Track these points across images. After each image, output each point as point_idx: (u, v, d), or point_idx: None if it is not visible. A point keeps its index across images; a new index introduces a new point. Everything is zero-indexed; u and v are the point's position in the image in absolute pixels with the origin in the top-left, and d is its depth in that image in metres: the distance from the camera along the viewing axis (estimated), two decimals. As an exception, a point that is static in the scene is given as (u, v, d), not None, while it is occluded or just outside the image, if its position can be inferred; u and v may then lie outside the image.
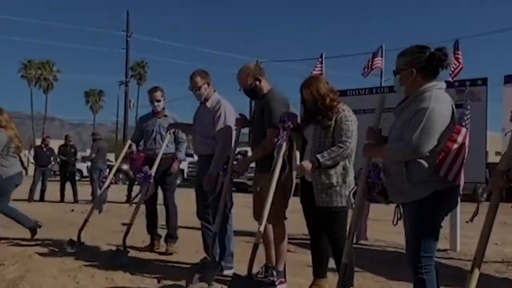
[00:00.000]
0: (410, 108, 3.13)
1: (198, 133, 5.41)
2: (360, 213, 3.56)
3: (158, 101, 6.40)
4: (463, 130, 3.16)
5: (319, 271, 4.28)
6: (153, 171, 5.79)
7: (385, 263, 5.89)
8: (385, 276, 5.18)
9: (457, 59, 8.15)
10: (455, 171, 3.06)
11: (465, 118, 3.31)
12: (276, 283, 4.54)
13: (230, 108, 5.31)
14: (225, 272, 4.86)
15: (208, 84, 5.36)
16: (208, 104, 5.28)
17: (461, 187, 3.18)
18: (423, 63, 3.13)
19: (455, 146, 3.08)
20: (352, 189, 3.77)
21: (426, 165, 3.04)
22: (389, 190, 3.27)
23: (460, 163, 3.08)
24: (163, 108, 6.55)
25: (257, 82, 4.65)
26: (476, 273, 2.64)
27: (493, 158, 14.56)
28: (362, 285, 4.60)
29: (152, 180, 5.75)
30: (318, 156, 3.97)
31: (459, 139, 3.11)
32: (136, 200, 5.89)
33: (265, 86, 4.69)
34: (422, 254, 3.10)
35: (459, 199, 3.24)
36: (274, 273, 4.61)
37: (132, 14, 36.20)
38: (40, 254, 5.79)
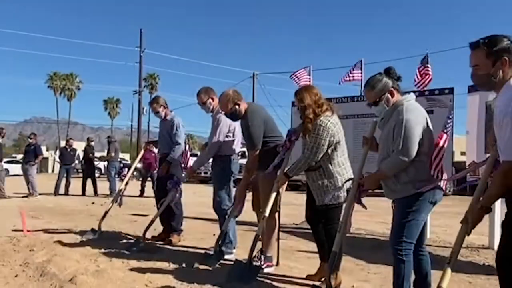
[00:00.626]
0: (390, 121, 3.26)
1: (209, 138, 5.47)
2: (350, 211, 3.60)
3: (157, 112, 6.35)
4: (445, 136, 3.21)
5: (324, 256, 4.17)
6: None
7: (364, 249, 5.90)
8: (365, 260, 5.19)
9: (427, 71, 8.14)
10: (439, 170, 3.16)
11: (447, 125, 3.36)
12: (263, 266, 4.55)
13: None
14: (226, 257, 4.89)
15: (213, 98, 5.40)
16: (214, 114, 5.36)
17: (443, 184, 3.23)
18: (391, 83, 3.30)
19: (438, 149, 3.18)
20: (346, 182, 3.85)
21: (411, 168, 3.15)
22: (384, 189, 3.38)
23: (441, 163, 3.18)
24: (171, 111, 6.49)
25: (236, 106, 4.67)
26: (452, 265, 2.68)
27: (458, 158, 14.62)
28: (345, 268, 4.60)
29: (180, 187, 5.69)
30: (286, 169, 4.11)
31: (441, 143, 3.20)
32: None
33: (243, 107, 4.70)
34: (404, 239, 3.17)
35: (441, 194, 3.29)
36: (262, 257, 4.63)
37: (144, 31, 36.13)
38: (65, 241, 5.78)
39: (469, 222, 2.62)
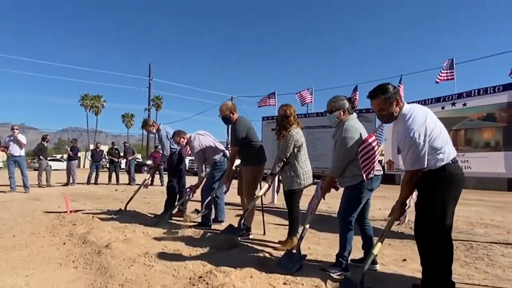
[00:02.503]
0: (337, 135, 3.31)
1: None
2: (317, 204, 3.64)
3: (149, 131, 6.26)
4: (374, 137, 3.26)
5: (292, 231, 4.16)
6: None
7: (315, 222, 5.88)
8: (316, 229, 5.26)
9: (355, 97, 8.33)
10: (368, 163, 3.15)
11: (377, 131, 3.40)
12: (245, 234, 4.58)
13: (199, 138, 5.32)
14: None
15: (183, 137, 5.45)
16: (189, 145, 5.42)
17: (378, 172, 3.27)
18: (347, 105, 3.33)
19: (365, 146, 3.15)
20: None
21: (352, 167, 3.21)
22: (337, 180, 3.41)
23: (372, 158, 3.16)
24: (159, 124, 6.35)
25: (231, 114, 4.67)
26: (383, 238, 2.80)
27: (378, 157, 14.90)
28: (303, 234, 4.65)
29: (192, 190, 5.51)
30: (272, 169, 4.08)
31: (370, 140, 3.18)
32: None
33: (235, 117, 4.69)
34: (348, 214, 3.23)
35: (378, 182, 3.33)
36: (244, 227, 4.63)
37: (152, 65, 35.78)
38: (99, 217, 5.63)
39: (395, 214, 2.79)
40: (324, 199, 3.58)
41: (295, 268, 3.16)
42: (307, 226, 3.46)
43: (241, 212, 5.01)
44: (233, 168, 4.81)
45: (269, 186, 4.28)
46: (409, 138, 2.53)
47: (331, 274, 3.10)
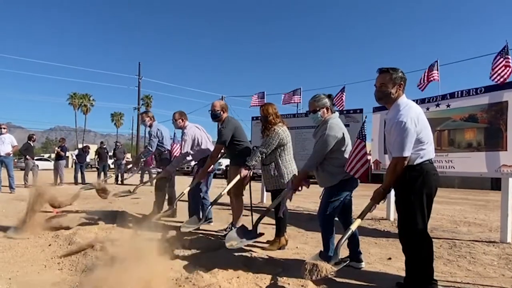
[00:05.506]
0: (319, 132, 3.32)
1: None
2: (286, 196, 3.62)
3: (144, 121, 6.25)
4: (358, 141, 3.29)
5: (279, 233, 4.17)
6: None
7: (303, 221, 6.00)
8: (304, 229, 5.29)
9: (342, 98, 8.34)
10: (356, 167, 3.19)
11: (362, 133, 3.41)
12: None
13: (194, 129, 5.35)
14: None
15: (182, 119, 5.43)
16: (182, 130, 5.41)
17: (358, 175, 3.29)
18: (329, 103, 3.34)
19: (353, 151, 3.24)
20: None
21: (331, 166, 3.24)
22: (317, 180, 3.41)
23: (358, 161, 3.20)
24: (153, 122, 6.33)
25: (222, 112, 4.67)
26: (362, 218, 2.82)
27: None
28: (290, 234, 4.67)
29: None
30: (247, 161, 4.05)
31: (355, 146, 3.25)
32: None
33: (224, 115, 4.70)
34: (328, 214, 3.23)
35: (357, 183, 3.34)
36: (233, 227, 4.62)
37: (142, 64, 35.52)
38: (86, 218, 5.57)
39: (376, 199, 2.79)
40: (295, 191, 3.55)
41: (244, 242, 3.27)
42: (270, 207, 3.61)
43: (231, 212, 5.00)
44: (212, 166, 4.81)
45: (241, 177, 4.18)
46: (400, 124, 2.58)
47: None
